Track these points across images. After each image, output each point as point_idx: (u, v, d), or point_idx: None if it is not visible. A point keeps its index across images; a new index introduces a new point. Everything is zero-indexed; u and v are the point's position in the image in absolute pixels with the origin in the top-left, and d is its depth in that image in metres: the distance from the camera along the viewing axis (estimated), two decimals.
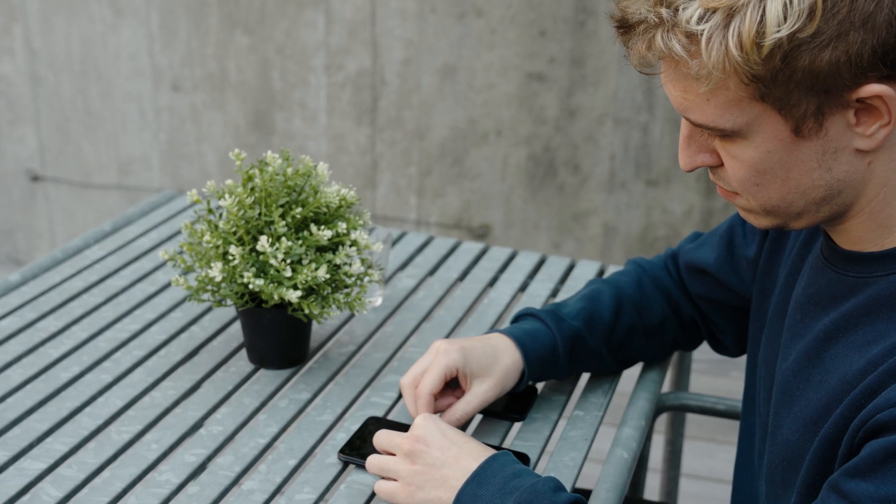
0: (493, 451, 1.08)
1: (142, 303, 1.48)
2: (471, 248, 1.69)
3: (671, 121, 2.72)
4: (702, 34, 0.85)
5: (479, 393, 1.19)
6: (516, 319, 1.29)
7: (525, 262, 1.65)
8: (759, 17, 0.83)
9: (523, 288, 1.59)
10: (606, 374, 1.33)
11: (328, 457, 1.16)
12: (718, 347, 1.34)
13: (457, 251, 1.68)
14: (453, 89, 2.81)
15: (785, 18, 0.83)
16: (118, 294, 1.50)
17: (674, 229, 2.82)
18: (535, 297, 1.54)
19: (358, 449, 1.16)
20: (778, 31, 0.83)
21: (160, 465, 1.14)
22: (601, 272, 1.63)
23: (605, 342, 1.27)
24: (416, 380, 1.18)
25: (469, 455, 1.06)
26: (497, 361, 1.20)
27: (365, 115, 2.90)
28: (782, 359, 1.05)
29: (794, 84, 0.85)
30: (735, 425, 2.45)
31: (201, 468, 1.14)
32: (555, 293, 1.57)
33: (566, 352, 1.24)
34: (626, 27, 0.91)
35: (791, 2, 0.83)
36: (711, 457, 2.50)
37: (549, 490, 1.01)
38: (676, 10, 0.87)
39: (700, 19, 0.85)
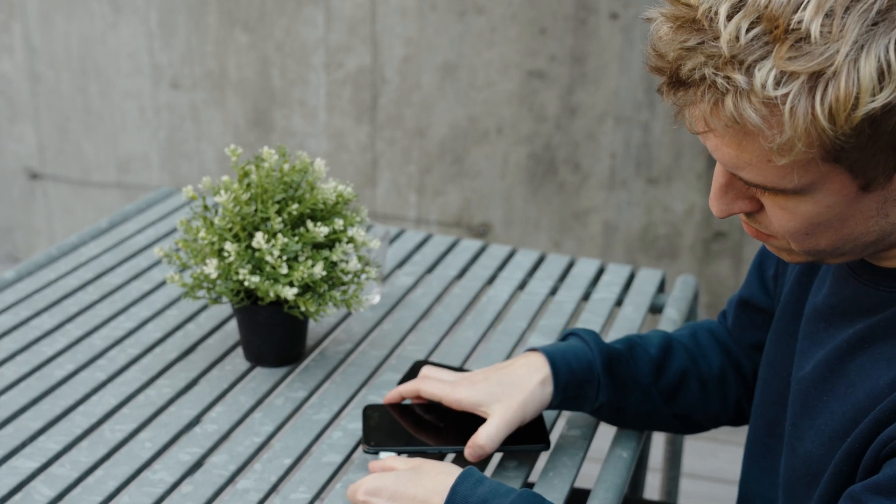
0: (448, 486, 0.99)
1: (137, 300, 1.47)
2: (470, 245, 1.68)
3: (672, 119, 2.70)
4: (783, 102, 0.76)
5: (497, 415, 1.09)
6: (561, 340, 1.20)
7: (524, 259, 1.64)
8: (854, 85, 0.74)
9: (522, 286, 1.57)
10: None
11: (324, 455, 1.15)
12: None
13: (455, 249, 1.67)
14: (453, 87, 2.80)
15: (881, 86, 0.74)
16: (113, 291, 1.49)
17: (675, 228, 2.81)
18: (535, 296, 1.52)
19: (379, 437, 1.14)
20: (873, 101, 0.74)
21: (154, 464, 1.13)
22: (601, 270, 1.61)
23: (653, 380, 1.16)
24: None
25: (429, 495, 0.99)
26: (517, 386, 1.10)
27: (365, 113, 2.89)
28: (798, 367, 1.02)
29: (878, 148, 0.78)
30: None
31: (196, 467, 1.13)
32: (554, 291, 1.55)
33: (605, 370, 1.13)
34: (679, 85, 0.80)
35: (889, 66, 0.74)
36: (713, 456, 2.48)
37: None
38: (751, 73, 0.76)
39: (777, 83, 0.75)
